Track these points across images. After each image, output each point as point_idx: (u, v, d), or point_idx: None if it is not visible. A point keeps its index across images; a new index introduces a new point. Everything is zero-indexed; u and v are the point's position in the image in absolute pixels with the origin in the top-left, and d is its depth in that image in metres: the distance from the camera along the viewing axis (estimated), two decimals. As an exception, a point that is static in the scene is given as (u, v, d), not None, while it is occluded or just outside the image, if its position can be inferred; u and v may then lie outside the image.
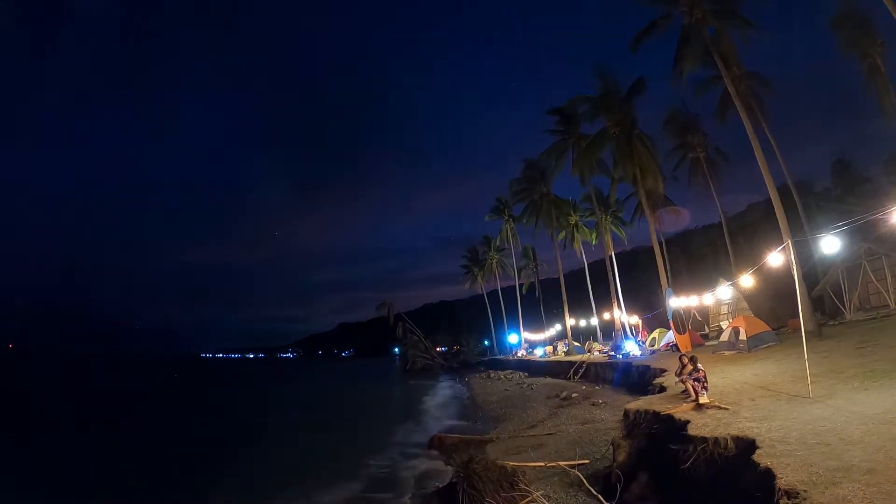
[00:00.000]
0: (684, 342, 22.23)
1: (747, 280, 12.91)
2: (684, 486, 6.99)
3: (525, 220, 45.88)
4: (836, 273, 22.33)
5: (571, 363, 30.88)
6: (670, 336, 24.90)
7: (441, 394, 35.62)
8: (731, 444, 6.72)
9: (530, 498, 8.27)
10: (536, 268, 60.29)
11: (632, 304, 40.85)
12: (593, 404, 18.60)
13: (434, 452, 15.24)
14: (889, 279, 20.35)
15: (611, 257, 38.10)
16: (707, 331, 29.06)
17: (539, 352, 47.27)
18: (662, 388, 12.71)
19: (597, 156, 31.30)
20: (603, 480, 8.96)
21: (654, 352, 26.30)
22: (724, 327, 23.25)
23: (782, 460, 5.50)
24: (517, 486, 8.48)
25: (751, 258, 27.11)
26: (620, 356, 27.46)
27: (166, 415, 31.75)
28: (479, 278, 65.30)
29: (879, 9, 16.57)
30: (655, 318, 34.04)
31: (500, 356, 60.46)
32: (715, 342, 21.22)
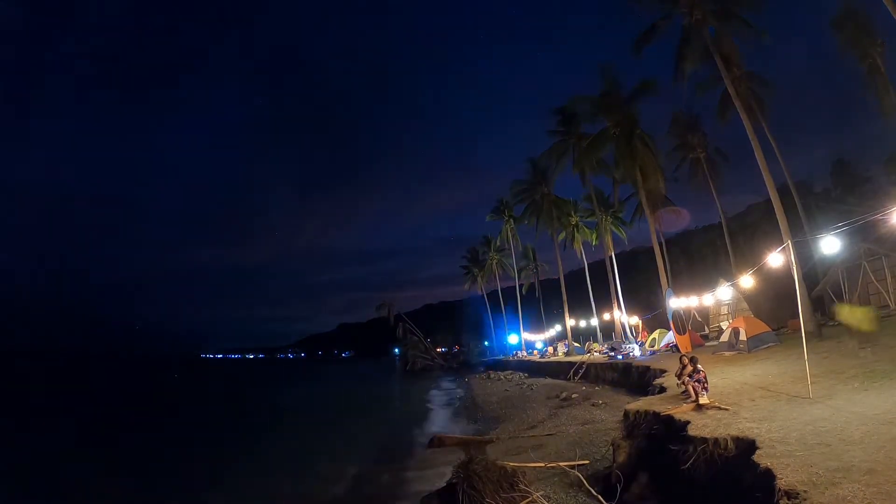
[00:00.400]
0: (684, 343, 22.22)
1: (747, 280, 12.90)
2: (684, 486, 6.99)
3: (526, 221, 45.91)
4: (836, 273, 22.33)
5: (571, 364, 30.87)
6: (670, 337, 24.89)
7: (441, 394, 35.59)
8: (731, 444, 6.72)
9: (530, 498, 8.26)
10: (536, 268, 60.30)
11: (632, 305, 40.84)
12: (593, 405, 18.59)
13: (434, 452, 15.23)
14: (889, 279, 20.35)
15: (611, 258, 38.12)
16: (707, 331, 29.04)
17: (539, 346, 47.26)
18: (662, 389, 12.71)
19: (597, 156, 31.33)
20: (603, 481, 8.96)
21: (653, 352, 26.27)
22: (724, 328, 23.23)
23: (782, 461, 5.49)
24: (517, 486, 8.47)
25: (751, 258, 27.11)
26: (620, 357, 27.45)
27: (166, 415, 31.75)
28: (479, 279, 65.30)
29: (879, 9, 16.57)
30: (655, 318, 34.03)
31: (500, 357, 60.44)
32: (715, 343, 21.21)
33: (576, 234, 43.79)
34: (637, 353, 26.88)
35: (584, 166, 32.50)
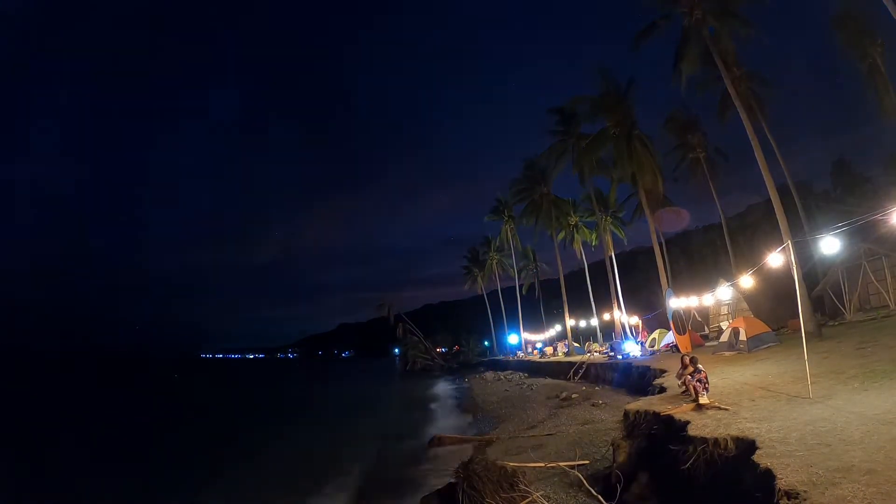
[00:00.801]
0: (684, 343, 22.22)
1: (747, 281, 12.90)
2: (684, 486, 6.98)
3: (525, 221, 45.85)
4: (836, 273, 22.32)
5: (571, 364, 30.87)
6: (670, 337, 24.89)
7: (441, 394, 35.61)
8: (731, 444, 6.71)
9: (530, 498, 8.26)
10: (536, 268, 60.25)
11: (632, 305, 40.83)
12: (593, 405, 18.59)
13: (434, 452, 15.23)
14: (889, 280, 20.36)
15: (611, 258, 38.11)
16: (707, 331, 29.04)
17: (538, 346, 47.27)
18: (662, 389, 12.70)
19: (597, 155, 31.32)
20: (603, 481, 8.95)
21: (653, 352, 26.27)
22: (724, 328, 23.23)
23: (782, 461, 5.49)
24: (517, 486, 8.47)
25: (751, 258, 27.13)
26: (620, 357, 27.45)
27: (165, 415, 31.74)
28: (479, 279, 65.28)
29: (879, 9, 16.55)
30: (655, 318, 34.00)
31: (501, 356, 60.45)
32: (715, 343, 21.20)
33: (575, 234, 43.77)
34: (637, 352, 26.88)
35: (583, 166, 32.49)
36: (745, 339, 17.14)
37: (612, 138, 28.70)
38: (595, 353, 33.83)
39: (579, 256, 46.43)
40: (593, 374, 27.76)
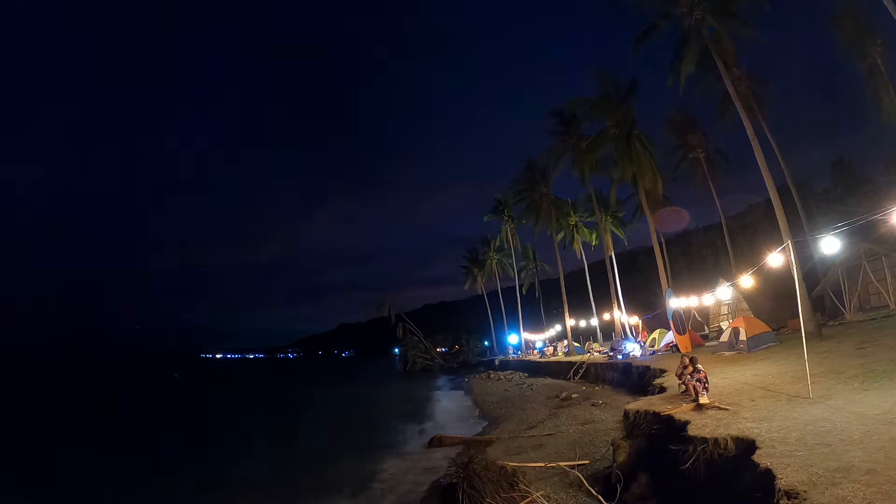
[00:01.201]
0: (684, 343, 22.22)
1: (747, 280, 12.89)
2: (684, 486, 6.99)
3: (525, 221, 45.87)
4: (836, 273, 22.34)
5: (571, 364, 30.86)
6: (670, 337, 24.89)
7: (441, 394, 35.63)
8: (731, 444, 6.72)
9: (530, 498, 8.27)
10: (536, 268, 60.24)
11: (632, 305, 40.85)
12: (593, 405, 18.59)
13: (434, 452, 15.23)
14: (889, 279, 20.37)
15: (611, 258, 38.11)
16: (707, 331, 29.05)
17: (538, 346, 47.28)
18: (662, 389, 12.71)
19: (596, 156, 31.33)
20: (603, 481, 8.96)
21: (654, 352, 26.27)
22: (724, 328, 23.24)
23: (782, 461, 5.49)
24: (517, 486, 8.48)
25: (751, 258, 27.09)
26: (620, 357, 27.45)
27: (165, 415, 31.75)
28: (479, 279, 65.22)
29: (879, 9, 16.56)
30: (655, 318, 34.00)
31: (501, 356, 60.43)
32: (715, 343, 21.21)
33: (575, 234, 43.78)
34: (637, 352, 26.88)
35: (583, 166, 32.49)
36: (745, 339, 17.15)
37: (611, 138, 28.72)
38: (595, 353, 33.83)
39: (579, 256, 46.51)
40: (593, 374, 27.75)
